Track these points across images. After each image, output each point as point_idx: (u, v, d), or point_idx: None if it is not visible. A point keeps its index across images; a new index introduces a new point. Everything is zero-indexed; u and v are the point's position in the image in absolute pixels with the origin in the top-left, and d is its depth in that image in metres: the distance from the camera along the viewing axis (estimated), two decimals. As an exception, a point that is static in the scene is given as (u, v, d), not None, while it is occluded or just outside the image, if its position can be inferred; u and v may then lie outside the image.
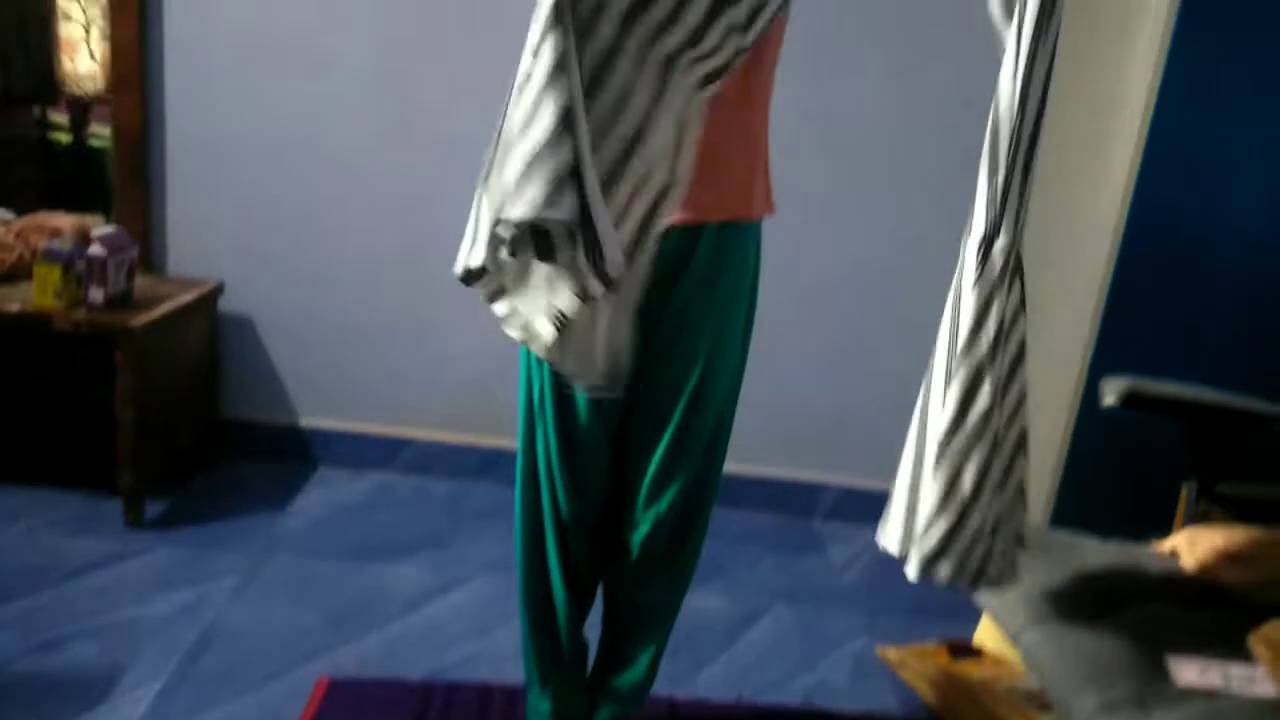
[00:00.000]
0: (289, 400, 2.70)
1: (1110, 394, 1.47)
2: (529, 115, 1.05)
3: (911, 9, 2.44)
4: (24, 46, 2.84)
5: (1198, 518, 1.61)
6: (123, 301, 2.24)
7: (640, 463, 1.47)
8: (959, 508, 1.07)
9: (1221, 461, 1.56)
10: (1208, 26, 1.94)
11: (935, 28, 2.42)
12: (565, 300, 1.16)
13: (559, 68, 1.03)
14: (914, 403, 2.68)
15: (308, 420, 2.71)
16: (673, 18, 1.11)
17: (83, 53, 2.95)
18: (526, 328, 1.23)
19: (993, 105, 1.03)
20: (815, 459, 2.78)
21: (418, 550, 2.33)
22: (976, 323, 1.05)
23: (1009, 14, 1.05)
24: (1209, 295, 2.10)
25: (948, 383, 1.09)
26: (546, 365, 1.41)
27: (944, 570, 1.07)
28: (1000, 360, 1.06)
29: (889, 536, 1.13)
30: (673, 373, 1.43)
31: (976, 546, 1.07)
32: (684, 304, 1.40)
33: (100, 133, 3.12)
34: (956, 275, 1.08)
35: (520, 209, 1.06)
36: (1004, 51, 1.04)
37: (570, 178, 1.05)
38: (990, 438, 1.06)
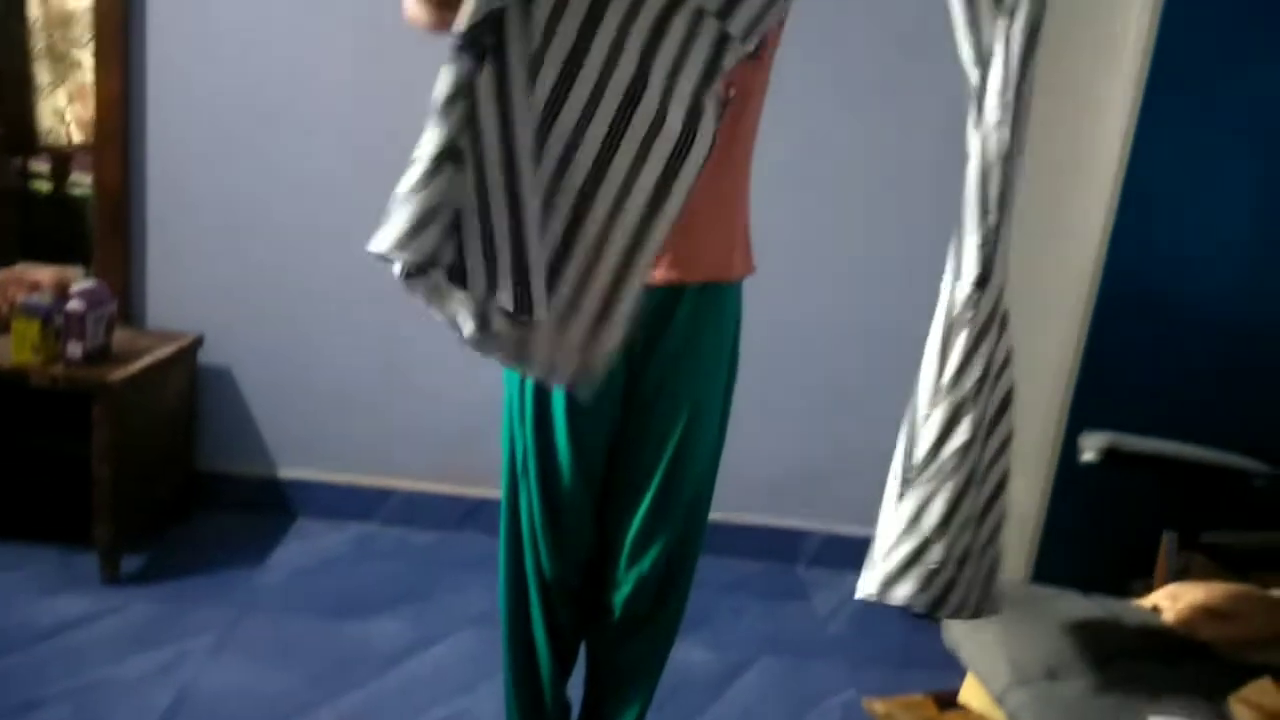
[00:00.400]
0: (268, 451, 2.68)
1: (1089, 450, 1.47)
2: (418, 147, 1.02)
3: (891, 65, 2.48)
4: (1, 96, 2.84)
5: (1179, 569, 1.61)
6: (101, 356, 2.22)
7: (622, 523, 1.46)
8: (924, 535, 1.08)
9: (1201, 514, 1.57)
10: (1179, 84, 1.98)
11: (916, 82, 2.45)
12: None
13: (450, 99, 1.01)
14: (894, 448, 2.69)
15: (287, 471, 2.69)
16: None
17: (61, 102, 2.95)
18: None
19: (978, 154, 1.04)
20: (798, 506, 2.78)
21: (399, 604, 2.30)
22: (963, 363, 1.05)
23: (979, 62, 1.06)
24: (1185, 347, 2.12)
25: (928, 419, 1.09)
26: (530, 427, 1.41)
27: (901, 591, 1.07)
28: (985, 400, 1.07)
29: (868, 560, 1.13)
30: (654, 433, 1.43)
31: (939, 575, 1.08)
32: (665, 364, 1.41)
33: (82, 181, 3.12)
34: (943, 317, 1.08)
35: (377, 244, 1.04)
36: (980, 98, 1.05)
37: (439, 217, 1.01)
38: (966, 472, 1.07)
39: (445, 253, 1.00)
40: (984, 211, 1.03)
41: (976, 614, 1.15)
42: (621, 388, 1.43)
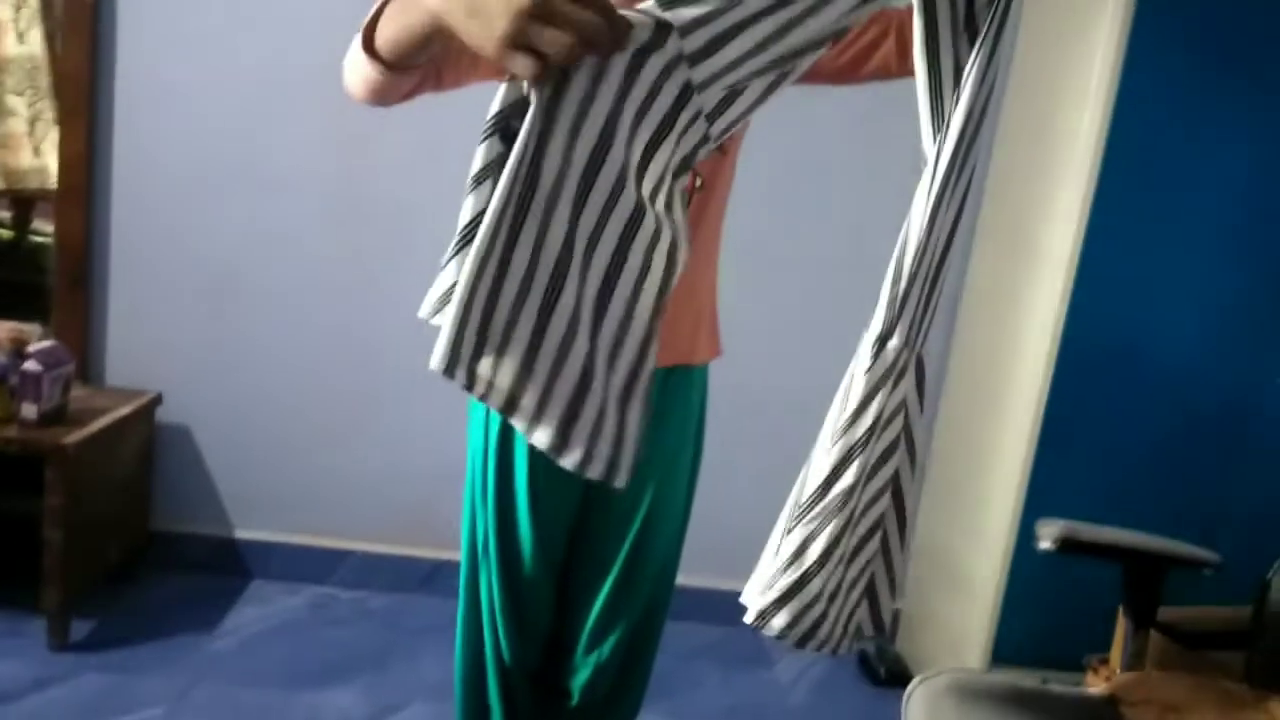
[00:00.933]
0: (224, 511, 2.64)
1: (1045, 539, 1.49)
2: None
3: (856, 144, 2.53)
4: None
5: (1135, 651, 1.63)
6: (57, 417, 2.19)
7: (583, 606, 1.45)
8: (804, 568, 1.11)
9: (1155, 600, 1.59)
10: (1132, 173, 2.03)
11: (880, 161, 2.50)
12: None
13: (479, 177, 1.03)
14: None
15: (243, 532, 2.65)
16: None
17: (26, 148, 2.92)
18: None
19: (905, 220, 1.08)
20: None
21: (354, 673, 2.26)
22: (859, 409, 1.11)
23: (933, 135, 1.10)
24: (1141, 430, 2.17)
25: (821, 460, 1.14)
26: (493, 506, 1.41)
27: (777, 621, 1.10)
28: (872, 448, 1.12)
29: (747, 590, 1.17)
30: (616, 518, 1.43)
31: (812, 609, 1.11)
32: None
33: (44, 229, 3.08)
34: (850, 368, 1.15)
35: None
36: (929, 174, 1.08)
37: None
38: (846, 514, 1.12)
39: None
40: (896, 278, 1.09)
41: (836, 650, 1.18)
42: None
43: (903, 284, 1.08)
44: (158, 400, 2.51)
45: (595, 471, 0.96)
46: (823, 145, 2.54)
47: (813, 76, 1.23)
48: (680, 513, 1.49)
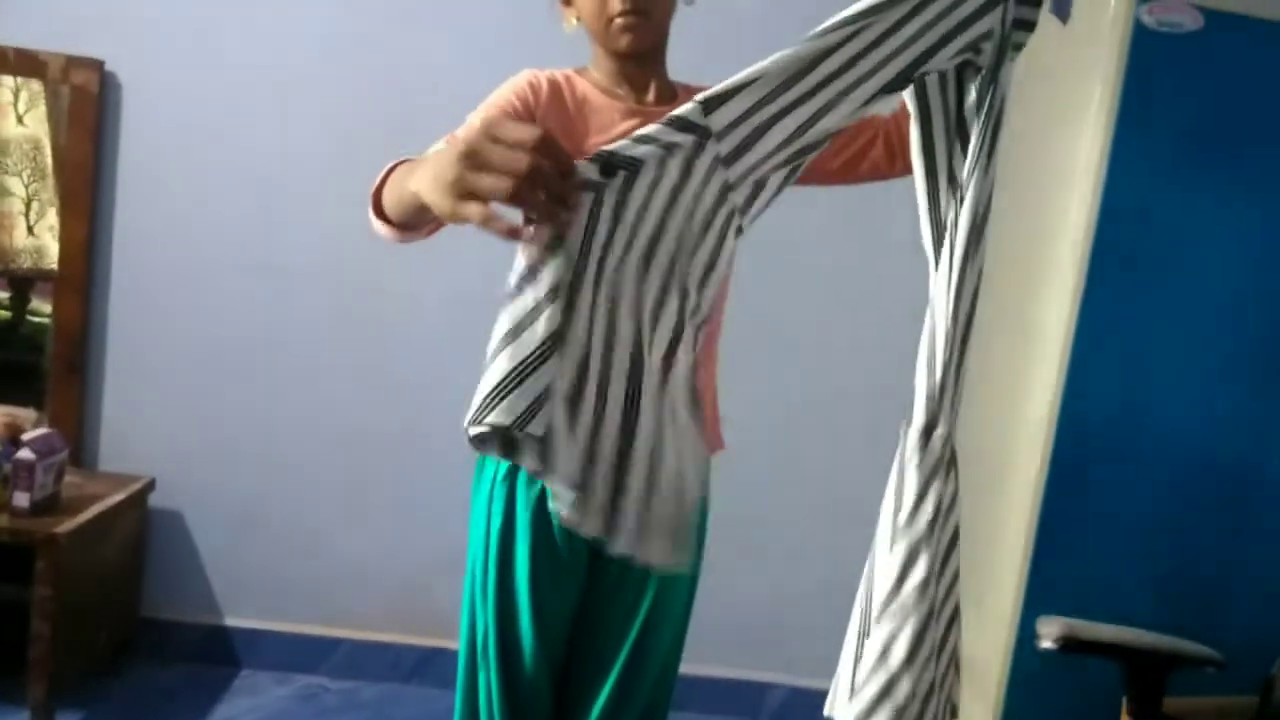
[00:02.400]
0: (215, 599, 2.61)
1: (1046, 639, 1.48)
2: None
3: (853, 250, 2.57)
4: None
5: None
6: (49, 505, 2.17)
7: (583, 709, 1.43)
8: (890, 670, 1.09)
9: (1159, 697, 1.57)
10: (1121, 259, 2.06)
11: (877, 266, 2.53)
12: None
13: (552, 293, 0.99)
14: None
15: (233, 619, 2.61)
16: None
17: (20, 228, 2.94)
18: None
19: (928, 313, 1.12)
20: (762, 657, 2.73)
21: (344, 768, 2.22)
22: (917, 502, 1.10)
23: (938, 240, 1.12)
24: (1141, 517, 2.16)
25: (888, 557, 1.12)
26: (493, 602, 1.39)
27: None
28: (938, 538, 1.12)
29: (831, 702, 1.14)
30: (620, 609, 1.42)
31: (907, 710, 1.08)
32: None
33: (42, 309, 3.10)
34: (897, 462, 1.14)
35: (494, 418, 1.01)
36: (936, 265, 1.12)
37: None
38: (926, 607, 1.10)
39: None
40: (930, 369, 1.12)
41: None
42: (586, 563, 1.42)
43: (938, 374, 1.11)
44: (150, 486, 2.49)
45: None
46: (818, 248, 2.57)
47: (809, 177, 1.26)
48: (682, 609, 1.48)
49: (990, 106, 1.07)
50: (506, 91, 1.35)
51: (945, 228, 1.12)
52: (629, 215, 0.98)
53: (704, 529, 1.51)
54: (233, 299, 2.51)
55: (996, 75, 1.08)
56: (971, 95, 1.10)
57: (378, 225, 1.17)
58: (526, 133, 0.83)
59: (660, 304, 1.03)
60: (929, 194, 1.13)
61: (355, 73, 2.46)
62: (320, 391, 2.55)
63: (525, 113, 1.33)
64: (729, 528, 2.27)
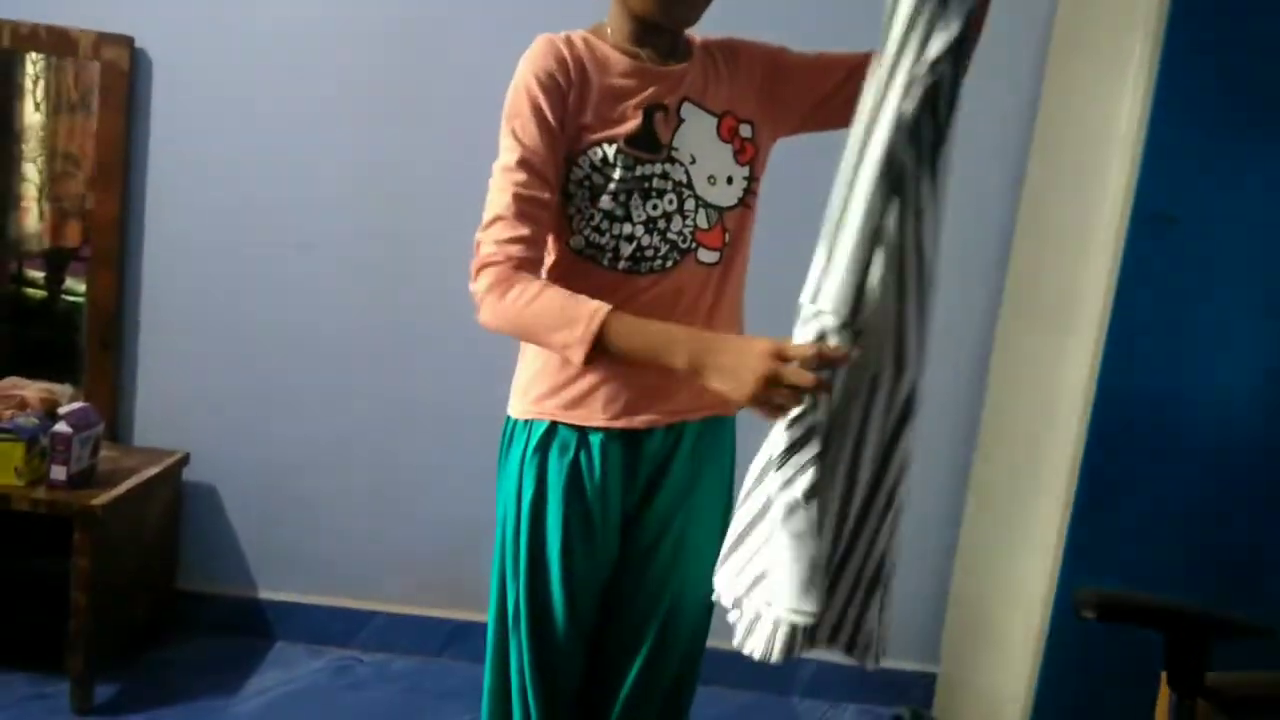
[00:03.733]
0: (249, 571, 2.63)
1: (1085, 607, 1.45)
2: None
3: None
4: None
5: (1181, 716, 1.58)
6: (86, 479, 2.20)
7: (616, 678, 1.43)
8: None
9: (1201, 670, 1.54)
10: (1162, 222, 2.00)
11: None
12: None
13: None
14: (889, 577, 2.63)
15: (267, 592, 2.63)
16: None
17: (33, 211, 2.97)
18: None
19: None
20: (790, 632, 2.72)
21: (377, 739, 2.24)
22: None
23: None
24: (1180, 488, 2.11)
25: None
26: (524, 574, 1.39)
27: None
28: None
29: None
30: (647, 590, 1.42)
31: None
32: (665, 507, 1.41)
33: (75, 289, 3.13)
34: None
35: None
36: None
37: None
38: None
39: None
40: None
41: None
42: (618, 534, 1.41)
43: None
44: (185, 460, 2.52)
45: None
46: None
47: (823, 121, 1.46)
48: (712, 571, 1.47)
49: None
50: (530, 77, 1.30)
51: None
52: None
53: (732, 488, 1.50)
54: (264, 274, 2.52)
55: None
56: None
57: (568, 347, 1.24)
58: (809, 380, 1.12)
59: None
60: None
61: (387, 47, 2.46)
62: (351, 366, 2.56)
63: (559, 103, 1.30)
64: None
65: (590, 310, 1.21)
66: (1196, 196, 2.02)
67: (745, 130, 1.40)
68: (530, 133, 1.28)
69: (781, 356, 1.13)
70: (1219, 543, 2.14)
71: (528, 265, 1.26)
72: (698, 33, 1.41)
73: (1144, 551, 2.08)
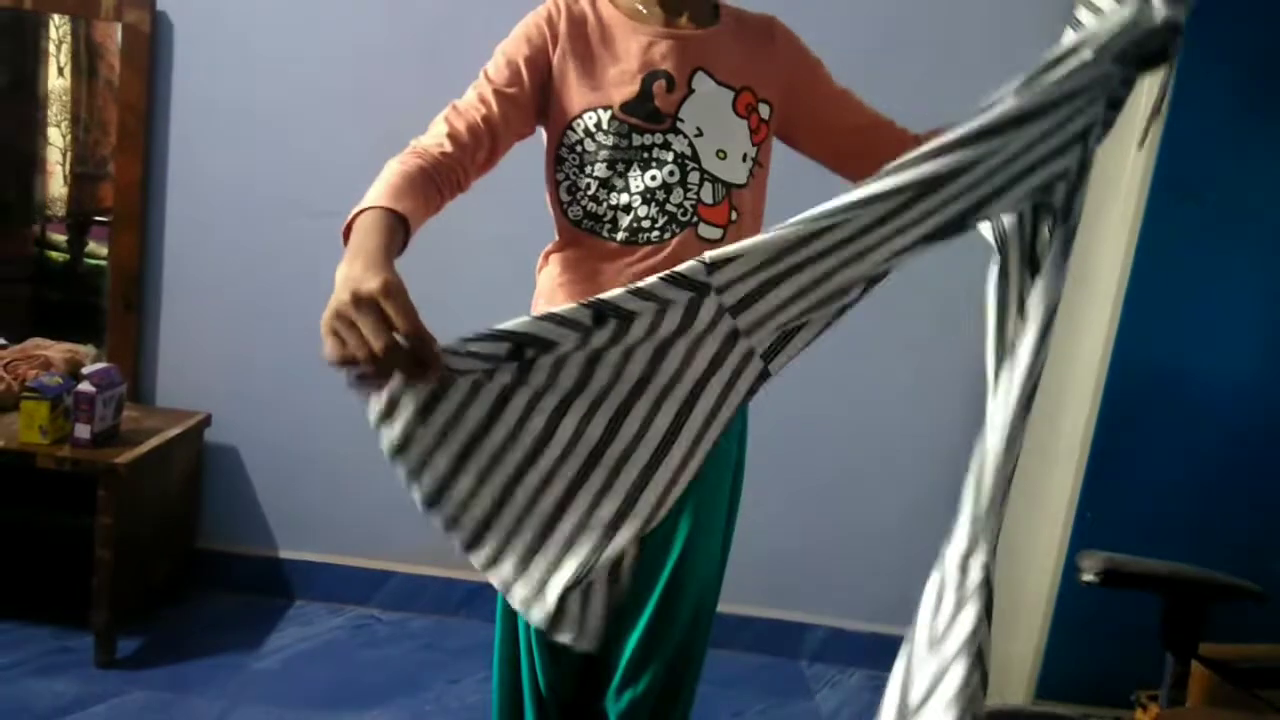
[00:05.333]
0: (269, 531, 2.68)
1: (1088, 571, 1.47)
2: None
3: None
4: (8, 165, 2.89)
5: (1176, 684, 1.60)
6: (109, 438, 2.24)
7: (618, 640, 1.44)
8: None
9: (1196, 633, 1.56)
10: (1182, 190, 2.00)
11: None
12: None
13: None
14: (900, 541, 2.66)
15: (287, 552, 2.68)
16: None
17: (58, 175, 3.00)
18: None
19: (980, 436, 1.13)
20: (801, 598, 2.75)
21: (393, 696, 2.28)
22: (949, 626, 1.12)
23: (998, 365, 1.14)
24: (1190, 462, 2.12)
25: (908, 674, 1.14)
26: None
27: None
28: (964, 658, 1.13)
29: None
30: (651, 550, 1.42)
31: None
32: None
33: (98, 252, 3.17)
34: (936, 577, 1.15)
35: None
36: (994, 391, 1.12)
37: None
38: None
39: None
40: (977, 496, 1.12)
41: None
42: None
43: (984, 502, 1.11)
44: (207, 421, 2.56)
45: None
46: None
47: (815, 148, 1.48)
48: (719, 542, 1.48)
49: (1061, 248, 1.08)
50: (522, 28, 1.36)
51: (1006, 354, 1.14)
52: (612, 357, 1.10)
53: (741, 473, 1.51)
54: (285, 237, 2.54)
55: (1069, 214, 1.08)
56: (1044, 233, 1.11)
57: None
58: (377, 341, 0.94)
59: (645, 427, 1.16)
60: (998, 322, 1.15)
61: (411, 12, 2.46)
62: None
63: (541, 52, 1.33)
64: (766, 472, 2.29)
65: (367, 203, 1.21)
66: (1214, 174, 2.02)
67: (764, 110, 1.39)
68: (497, 66, 1.35)
69: (381, 296, 0.97)
70: (1227, 515, 2.15)
71: (425, 152, 1.32)
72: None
73: (1153, 520, 2.10)
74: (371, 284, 0.97)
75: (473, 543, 1.19)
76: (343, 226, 1.15)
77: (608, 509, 1.19)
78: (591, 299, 1.06)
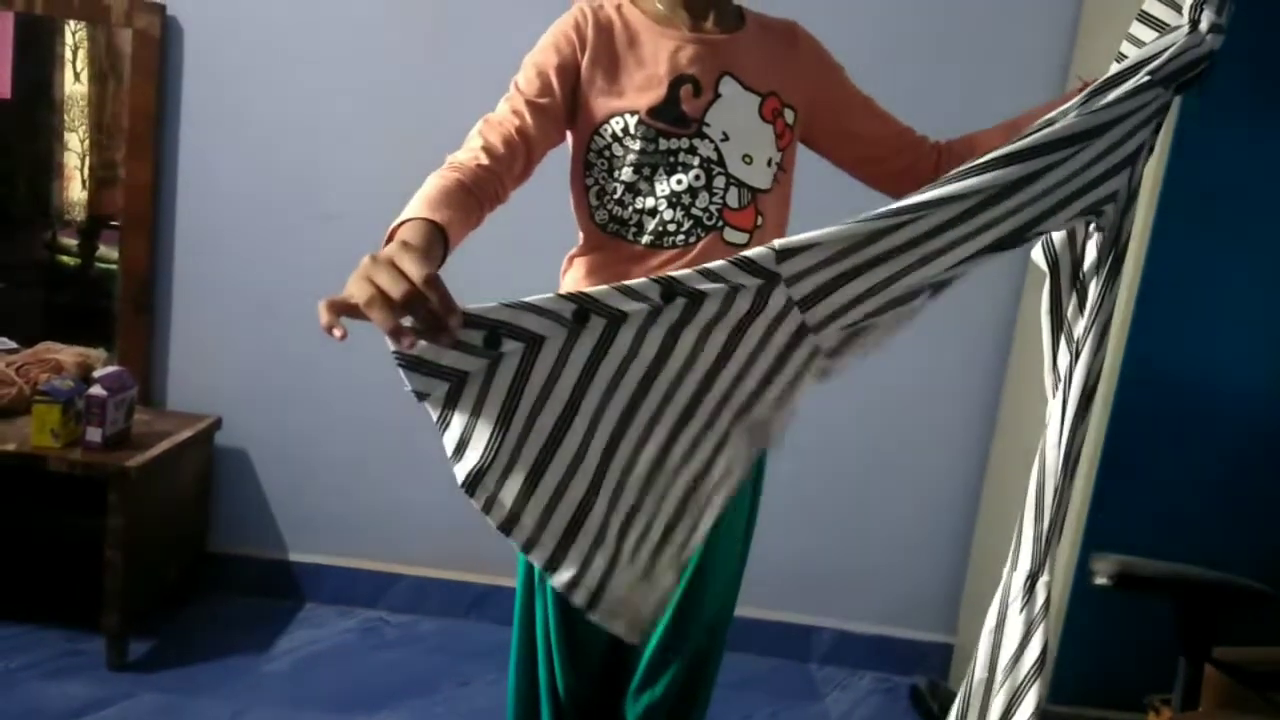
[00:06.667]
0: (280, 534, 2.68)
1: (1101, 575, 1.46)
2: None
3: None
4: (24, 170, 2.91)
5: (1189, 689, 1.59)
6: (120, 440, 2.24)
7: (635, 651, 1.45)
8: None
9: (1210, 636, 1.55)
10: (1193, 194, 1.99)
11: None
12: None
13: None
14: (910, 545, 2.65)
15: (297, 555, 2.69)
16: None
17: (76, 180, 3.02)
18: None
19: (1039, 457, 1.15)
20: (810, 601, 2.75)
21: (403, 698, 2.28)
22: (1020, 648, 1.13)
23: (1054, 387, 1.17)
24: (1204, 463, 2.11)
25: (986, 699, 1.14)
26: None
27: None
28: (1037, 679, 1.14)
29: None
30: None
31: None
32: None
33: (108, 256, 3.18)
34: (999, 603, 1.17)
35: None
36: (1050, 417, 1.15)
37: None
38: None
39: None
40: (1039, 516, 1.14)
41: None
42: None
43: (1046, 522, 1.14)
44: (217, 424, 2.56)
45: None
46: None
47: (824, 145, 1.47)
48: (736, 553, 1.48)
49: (1111, 270, 1.10)
50: (550, 38, 1.35)
51: (1061, 379, 1.16)
52: (688, 339, 1.04)
53: (760, 483, 1.52)
54: (296, 241, 2.54)
55: (1119, 237, 1.10)
56: (1092, 254, 1.13)
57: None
58: (399, 290, 0.98)
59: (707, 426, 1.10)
60: (1052, 343, 1.17)
61: (420, 17, 2.47)
62: (380, 336, 2.58)
63: (570, 60, 1.33)
64: (776, 475, 2.29)
65: (406, 215, 1.23)
66: (1225, 178, 2.01)
67: (789, 115, 1.39)
68: (528, 78, 1.33)
69: (395, 254, 1.02)
70: (1241, 518, 2.14)
71: (462, 166, 1.27)
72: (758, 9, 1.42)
73: (1167, 523, 2.09)
74: (389, 249, 1.02)
75: (557, 556, 1.11)
76: (384, 238, 1.18)
77: (671, 503, 1.14)
78: (659, 275, 1.02)
